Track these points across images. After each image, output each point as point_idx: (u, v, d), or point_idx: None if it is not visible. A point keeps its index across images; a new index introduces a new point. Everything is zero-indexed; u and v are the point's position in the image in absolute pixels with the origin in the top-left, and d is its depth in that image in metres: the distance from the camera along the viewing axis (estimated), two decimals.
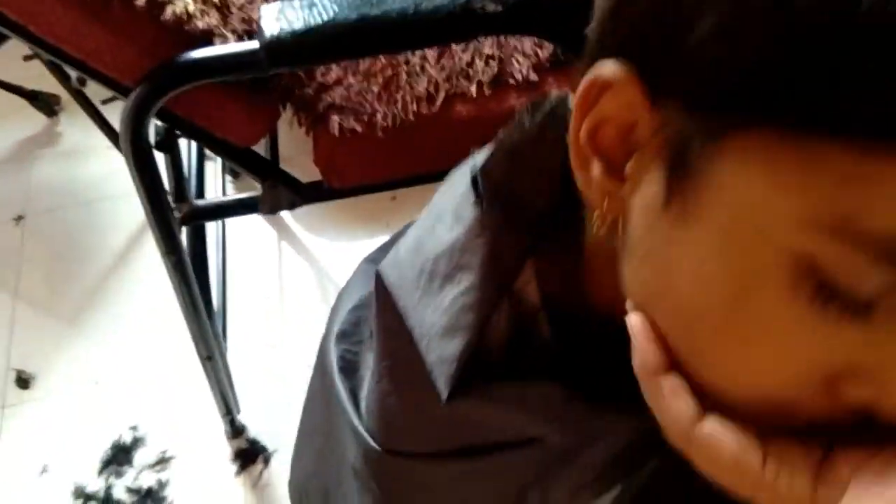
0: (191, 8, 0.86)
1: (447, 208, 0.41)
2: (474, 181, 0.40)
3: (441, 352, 0.38)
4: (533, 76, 1.08)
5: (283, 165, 1.10)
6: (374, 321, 0.43)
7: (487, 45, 1.10)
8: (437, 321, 0.39)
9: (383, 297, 0.41)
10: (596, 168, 0.32)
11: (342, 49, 0.75)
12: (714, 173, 0.26)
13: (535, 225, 0.39)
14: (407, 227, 0.47)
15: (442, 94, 1.06)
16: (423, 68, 1.08)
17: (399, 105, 1.04)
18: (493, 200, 0.39)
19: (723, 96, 0.25)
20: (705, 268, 0.28)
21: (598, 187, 0.32)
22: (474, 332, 0.38)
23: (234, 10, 0.89)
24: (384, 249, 0.50)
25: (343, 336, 0.48)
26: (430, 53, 1.09)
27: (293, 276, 1.62)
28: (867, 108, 0.21)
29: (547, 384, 0.39)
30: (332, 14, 0.73)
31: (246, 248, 1.65)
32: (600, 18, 0.30)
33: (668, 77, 0.27)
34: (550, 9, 0.79)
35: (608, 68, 0.29)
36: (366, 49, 0.79)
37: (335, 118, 1.02)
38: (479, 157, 0.41)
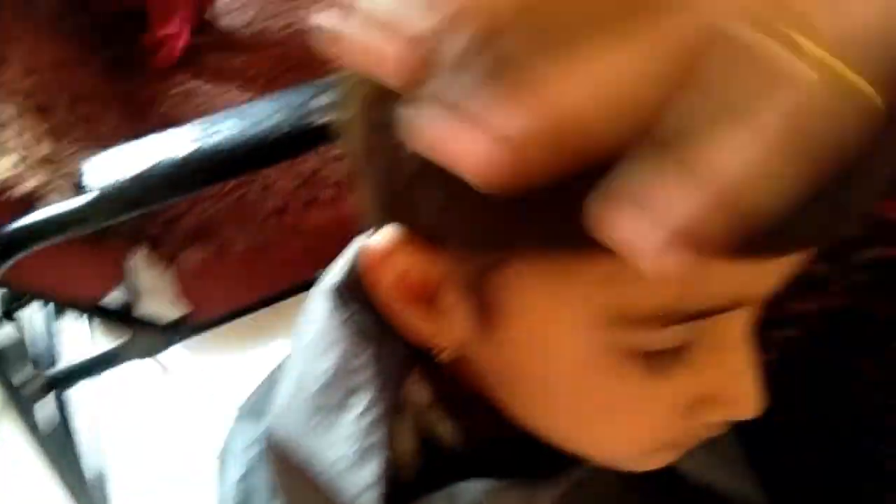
0: (15, 170, 0.81)
1: (315, 336, 0.40)
2: (338, 300, 0.39)
3: (357, 481, 0.36)
4: None
5: (150, 300, 1.05)
6: (280, 493, 0.40)
7: (336, 147, 1.10)
8: (345, 453, 0.37)
9: (279, 461, 0.39)
10: (414, 315, 0.33)
11: (177, 188, 0.72)
12: (506, 299, 0.29)
13: None
14: (275, 372, 0.45)
15: (297, 205, 1.04)
16: (272, 182, 1.06)
17: (254, 223, 1.02)
18: (363, 315, 0.38)
19: (478, 239, 0.27)
20: (545, 375, 0.31)
21: (424, 330, 0.33)
22: (386, 447, 0.36)
23: (60, 164, 0.85)
24: (258, 397, 0.47)
25: None
26: (279, 165, 1.07)
27: (183, 417, 1.53)
28: (573, 226, 0.23)
29: (472, 482, 0.38)
30: (160, 156, 0.70)
31: (128, 395, 1.55)
32: (368, 192, 0.32)
33: (435, 230, 0.29)
34: None
35: (383, 237, 0.31)
36: (202, 182, 0.76)
37: (191, 249, 0.98)
38: (334, 276, 0.40)
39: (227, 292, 1.03)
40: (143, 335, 0.93)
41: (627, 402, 0.31)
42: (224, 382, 1.55)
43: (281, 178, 1.07)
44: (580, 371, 0.30)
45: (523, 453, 0.38)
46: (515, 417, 0.35)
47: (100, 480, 1.23)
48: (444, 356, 0.35)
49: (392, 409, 0.37)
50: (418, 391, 0.40)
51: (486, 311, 0.30)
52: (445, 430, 0.41)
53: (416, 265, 0.31)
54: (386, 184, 0.29)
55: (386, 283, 0.32)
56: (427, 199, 0.27)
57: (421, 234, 0.30)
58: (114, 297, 0.93)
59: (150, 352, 0.92)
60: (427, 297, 0.32)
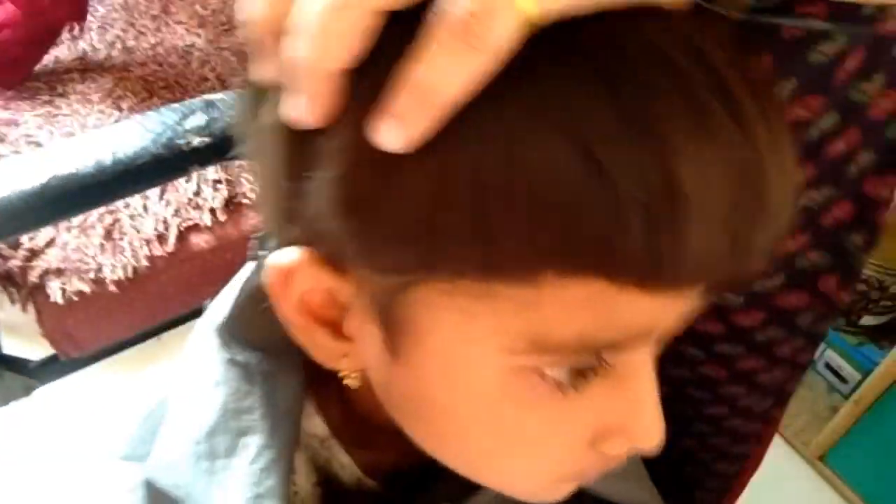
0: None
1: (198, 377, 0.37)
2: (223, 337, 0.37)
3: None
4: None
5: (10, 337, 0.96)
6: None
7: (212, 170, 1.05)
8: (240, 500, 0.34)
9: None
10: (320, 335, 0.32)
11: (33, 219, 0.66)
12: (415, 322, 0.28)
13: (303, 361, 0.36)
14: (153, 414, 0.41)
15: (174, 231, 0.99)
16: (146, 208, 1.00)
17: (127, 252, 0.96)
18: (248, 354, 0.36)
19: (389, 262, 0.26)
20: (453, 402, 0.30)
21: (330, 351, 0.32)
22: (284, 492, 0.34)
23: None
24: (137, 439, 0.43)
25: None
26: (152, 191, 1.02)
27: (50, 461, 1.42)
28: (489, 255, 0.24)
29: None
30: (14, 184, 0.64)
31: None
32: (270, 212, 0.30)
33: (342, 255, 0.28)
34: None
35: (287, 256, 0.29)
36: (62, 212, 0.70)
37: (55, 283, 0.91)
38: (218, 312, 0.38)
39: (98, 330, 0.96)
40: (6, 377, 0.85)
41: (535, 431, 0.31)
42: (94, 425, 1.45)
43: (157, 203, 1.02)
44: (490, 396, 0.29)
45: (426, 481, 0.38)
46: (422, 445, 0.34)
47: None
48: (350, 381, 0.34)
49: (289, 447, 0.35)
50: (314, 425, 0.38)
51: (394, 333, 0.29)
52: (341, 464, 0.39)
53: (321, 285, 0.30)
54: (291, 210, 0.28)
55: (289, 303, 0.31)
56: (334, 227, 0.26)
57: (326, 255, 0.29)
58: None
59: (21, 394, 0.85)
60: (332, 319, 0.31)
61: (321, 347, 0.32)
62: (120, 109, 1.14)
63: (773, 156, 0.25)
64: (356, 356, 0.32)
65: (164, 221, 1.00)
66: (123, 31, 1.32)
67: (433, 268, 0.26)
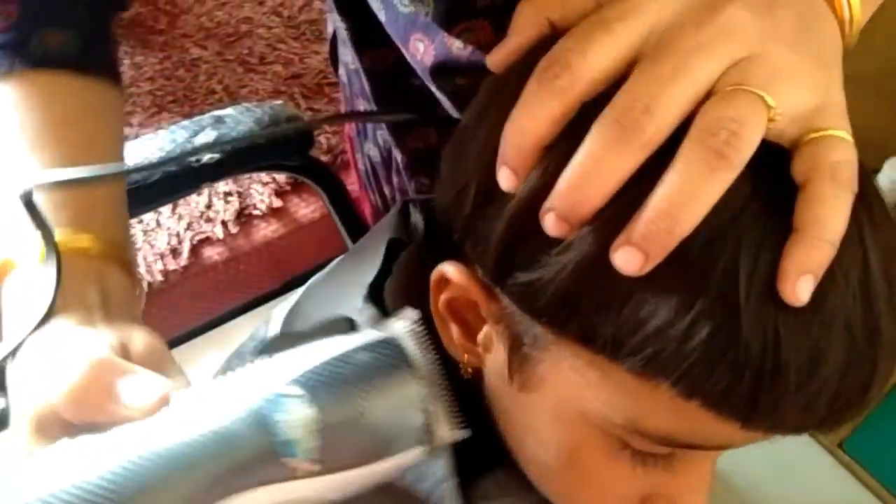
0: None
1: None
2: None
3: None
4: (277, 202, 1.05)
5: None
6: None
7: (223, 183, 1.06)
8: None
9: None
10: (454, 331, 0.35)
11: None
12: (542, 363, 0.31)
13: None
14: None
15: (187, 245, 1.00)
16: (158, 223, 1.01)
17: (142, 268, 0.97)
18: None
19: (536, 314, 0.29)
20: (544, 433, 0.33)
21: (457, 346, 0.36)
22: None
23: None
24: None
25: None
26: (164, 206, 1.03)
27: None
28: (628, 348, 0.27)
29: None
30: None
31: None
32: (461, 224, 0.32)
33: (501, 288, 0.31)
34: (270, 146, 0.77)
35: (449, 269, 0.33)
36: None
37: None
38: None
39: None
40: None
41: (601, 481, 0.33)
42: None
43: (169, 217, 1.03)
44: (576, 442, 0.32)
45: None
46: (506, 440, 0.37)
47: None
48: (464, 371, 0.36)
49: None
50: None
51: (517, 362, 0.32)
52: None
53: (470, 296, 0.33)
54: (480, 224, 0.30)
55: (437, 296, 0.34)
56: (519, 278, 0.29)
57: (490, 278, 0.31)
58: None
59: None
60: (469, 322, 0.35)
61: (451, 339, 0.35)
62: (130, 125, 1.16)
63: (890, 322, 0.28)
64: (478, 358, 0.35)
65: (178, 235, 1.01)
66: (132, 46, 1.33)
67: (587, 333, 0.28)
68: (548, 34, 0.30)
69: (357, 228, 0.80)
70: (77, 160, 0.36)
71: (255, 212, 1.05)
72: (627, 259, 0.25)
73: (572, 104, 0.27)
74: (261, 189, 1.06)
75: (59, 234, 0.34)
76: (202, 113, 1.19)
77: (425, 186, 0.58)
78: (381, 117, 0.60)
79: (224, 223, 1.03)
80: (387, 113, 0.58)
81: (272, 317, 0.46)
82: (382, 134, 0.60)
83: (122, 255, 0.37)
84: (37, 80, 0.39)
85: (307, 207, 1.07)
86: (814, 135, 0.26)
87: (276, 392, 0.27)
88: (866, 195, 0.27)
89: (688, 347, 0.26)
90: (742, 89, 0.25)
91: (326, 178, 0.80)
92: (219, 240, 1.02)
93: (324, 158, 1.13)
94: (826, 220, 0.25)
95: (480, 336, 0.34)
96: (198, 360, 0.41)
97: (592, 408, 0.30)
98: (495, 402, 0.36)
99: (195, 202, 1.04)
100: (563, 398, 0.31)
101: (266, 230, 1.05)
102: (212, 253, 1.02)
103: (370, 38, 0.51)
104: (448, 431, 0.29)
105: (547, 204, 0.26)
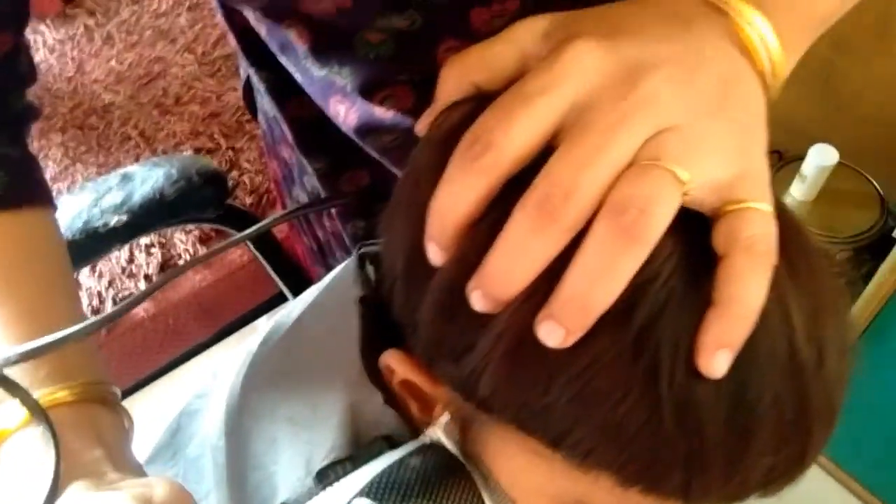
0: None
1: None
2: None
3: None
4: (202, 250, 1.02)
5: None
6: None
7: (144, 237, 1.02)
8: None
9: None
10: (413, 406, 0.36)
11: None
12: (490, 444, 0.32)
13: None
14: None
15: (109, 304, 0.96)
16: (78, 283, 0.97)
17: None
18: None
19: (472, 401, 0.29)
20: (511, 493, 0.33)
21: (419, 419, 0.36)
22: None
23: None
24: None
25: None
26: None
27: None
28: (566, 443, 0.27)
29: None
30: None
31: None
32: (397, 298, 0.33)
33: (437, 373, 0.31)
34: (182, 201, 0.73)
35: (392, 361, 0.33)
36: None
37: None
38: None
39: None
40: None
41: None
42: None
43: (89, 276, 0.99)
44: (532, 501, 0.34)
45: None
46: None
47: None
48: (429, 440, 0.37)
49: None
50: None
51: (469, 438, 0.33)
52: None
53: (419, 382, 0.34)
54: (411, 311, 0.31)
55: (394, 379, 0.35)
56: (452, 370, 0.29)
57: (432, 367, 0.32)
58: None
59: None
60: (425, 399, 0.35)
61: (411, 412, 0.36)
62: None
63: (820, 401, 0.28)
64: (434, 430, 0.36)
65: (99, 295, 0.97)
66: (39, 97, 1.28)
67: (523, 425, 0.28)
68: (473, 97, 0.30)
69: (290, 271, 0.78)
70: (38, 310, 0.36)
71: (180, 262, 1.01)
72: (548, 332, 0.25)
73: (496, 182, 0.26)
74: (184, 238, 1.03)
75: (40, 396, 0.33)
76: (117, 162, 1.15)
77: (361, 230, 0.56)
78: (326, 205, 0.58)
79: (147, 277, 0.99)
80: (331, 199, 0.56)
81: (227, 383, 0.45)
82: (310, 179, 0.58)
83: (102, 391, 0.36)
84: None
85: (235, 252, 1.04)
86: (733, 206, 0.26)
87: None
88: (790, 256, 0.27)
89: (622, 440, 0.26)
90: (654, 165, 0.25)
91: (249, 226, 0.77)
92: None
93: (248, 199, 1.10)
94: (741, 296, 0.25)
95: (436, 413, 0.35)
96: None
97: (541, 483, 0.31)
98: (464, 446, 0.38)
99: (115, 258, 1.00)
100: (513, 473, 0.32)
101: (193, 279, 1.01)
102: (137, 309, 0.98)
103: (290, 88, 0.49)
104: None
105: (472, 283, 0.26)
